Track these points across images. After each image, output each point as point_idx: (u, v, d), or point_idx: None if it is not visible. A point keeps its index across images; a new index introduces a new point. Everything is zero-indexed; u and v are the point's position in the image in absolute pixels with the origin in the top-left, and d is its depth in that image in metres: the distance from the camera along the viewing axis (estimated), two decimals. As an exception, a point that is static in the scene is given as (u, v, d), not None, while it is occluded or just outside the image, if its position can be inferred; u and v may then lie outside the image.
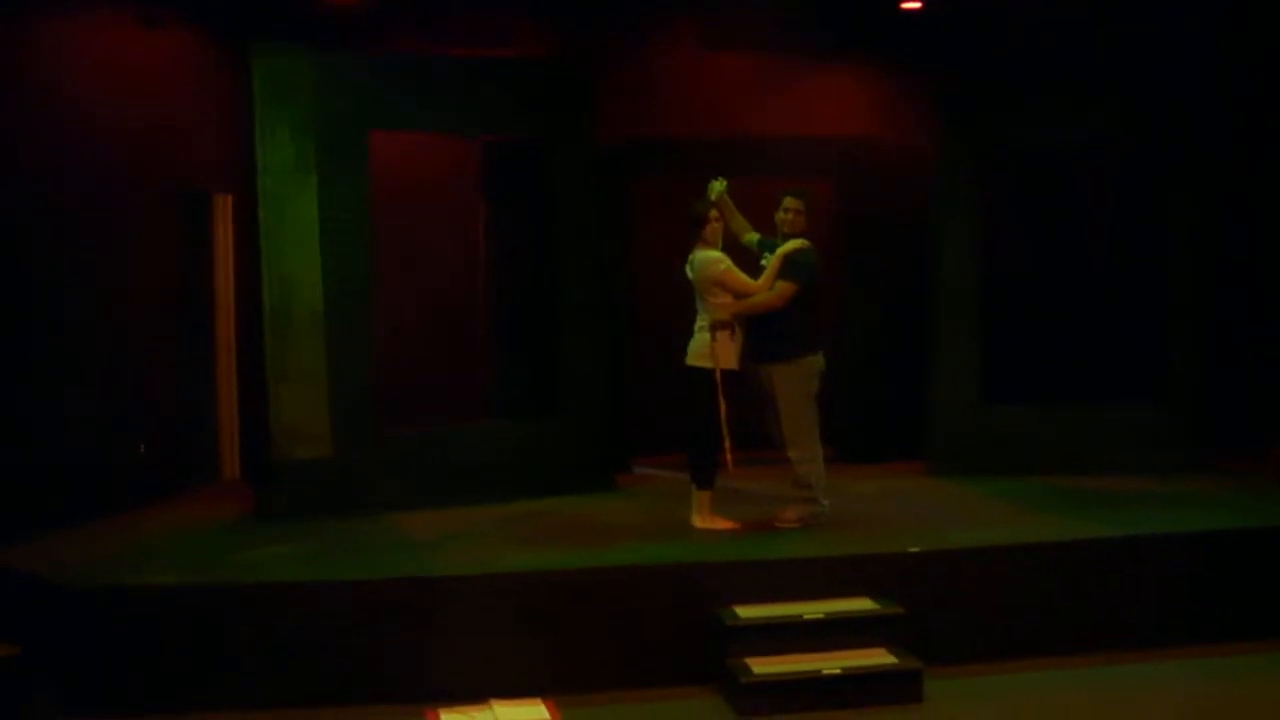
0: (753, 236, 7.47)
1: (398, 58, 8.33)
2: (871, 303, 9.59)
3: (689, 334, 7.13)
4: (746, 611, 6.24)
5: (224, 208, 9.03)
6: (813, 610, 6.26)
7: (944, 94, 8.99)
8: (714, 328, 6.97)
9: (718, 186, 7.22)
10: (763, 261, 7.21)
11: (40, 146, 7.40)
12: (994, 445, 8.83)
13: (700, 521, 7.15)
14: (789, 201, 7.20)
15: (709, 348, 6.97)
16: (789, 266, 7.01)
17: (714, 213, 7.13)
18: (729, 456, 6.93)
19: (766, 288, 7.02)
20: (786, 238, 7.16)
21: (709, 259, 7.02)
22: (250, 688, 5.98)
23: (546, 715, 5.61)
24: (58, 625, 6.09)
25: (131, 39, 8.13)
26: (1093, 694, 6.17)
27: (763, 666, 5.99)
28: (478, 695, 5.79)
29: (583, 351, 8.46)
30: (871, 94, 9.91)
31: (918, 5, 9.56)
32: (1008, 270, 9.32)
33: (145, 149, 8.17)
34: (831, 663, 6.04)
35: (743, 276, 7.03)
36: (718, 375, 6.94)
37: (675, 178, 9.35)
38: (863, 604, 6.37)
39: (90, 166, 7.74)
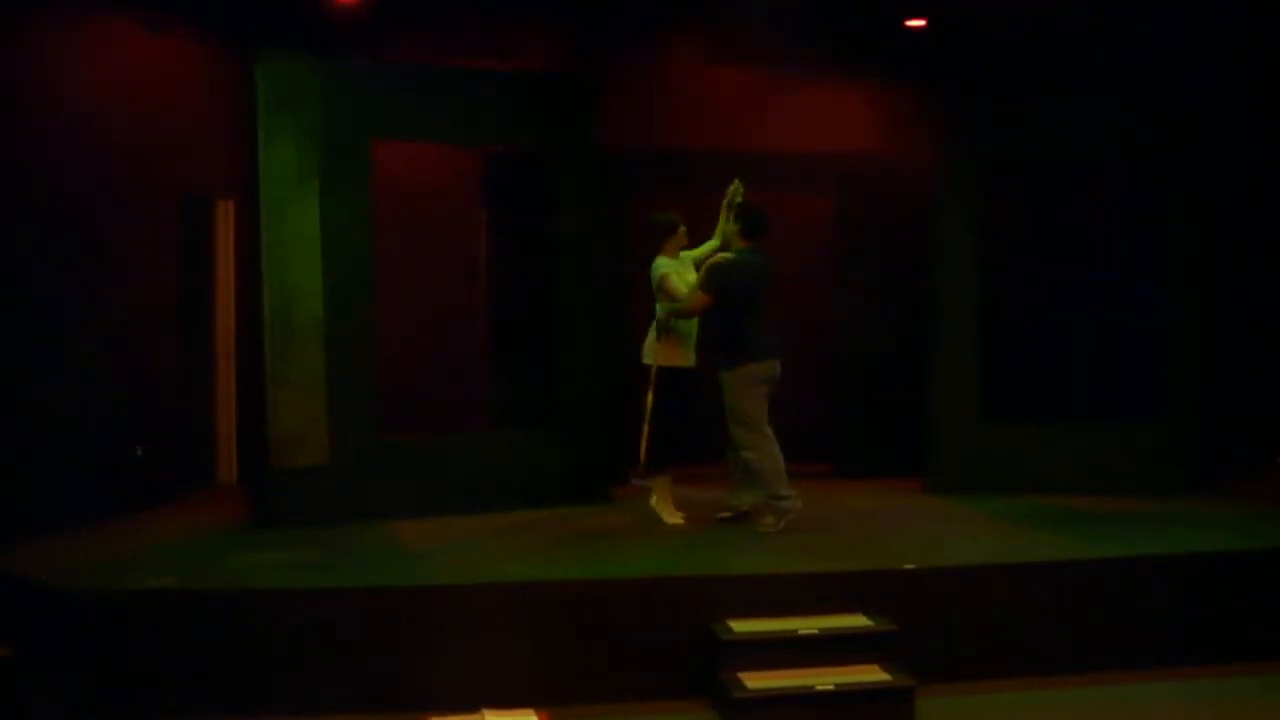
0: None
1: (402, 67, 8.35)
2: (871, 318, 9.60)
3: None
4: (741, 626, 6.23)
5: (226, 214, 9.06)
6: (807, 626, 6.25)
7: (946, 108, 9.00)
8: (658, 328, 7.54)
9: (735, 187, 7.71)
10: None
11: (42, 151, 7.42)
12: (992, 463, 8.82)
13: (653, 502, 7.60)
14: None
15: (653, 346, 7.49)
16: (701, 278, 7.40)
17: (681, 225, 7.60)
18: (642, 453, 7.41)
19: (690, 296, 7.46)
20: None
21: (657, 264, 7.56)
22: (244, 694, 5.98)
23: (538, 726, 5.61)
24: (52, 629, 6.09)
25: (135, 45, 8.16)
26: (1087, 715, 6.16)
27: (756, 681, 5.98)
28: (470, 705, 5.76)
29: (581, 362, 8.47)
30: (874, 109, 9.91)
31: (921, 22, 9.57)
32: (1009, 286, 9.30)
33: (147, 154, 8.19)
34: (825, 679, 6.03)
35: (678, 285, 7.44)
36: (653, 372, 7.42)
37: (676, 190, 9.37)
38: (857, 620, 6.35)
39: (92, 171, 7.76)
